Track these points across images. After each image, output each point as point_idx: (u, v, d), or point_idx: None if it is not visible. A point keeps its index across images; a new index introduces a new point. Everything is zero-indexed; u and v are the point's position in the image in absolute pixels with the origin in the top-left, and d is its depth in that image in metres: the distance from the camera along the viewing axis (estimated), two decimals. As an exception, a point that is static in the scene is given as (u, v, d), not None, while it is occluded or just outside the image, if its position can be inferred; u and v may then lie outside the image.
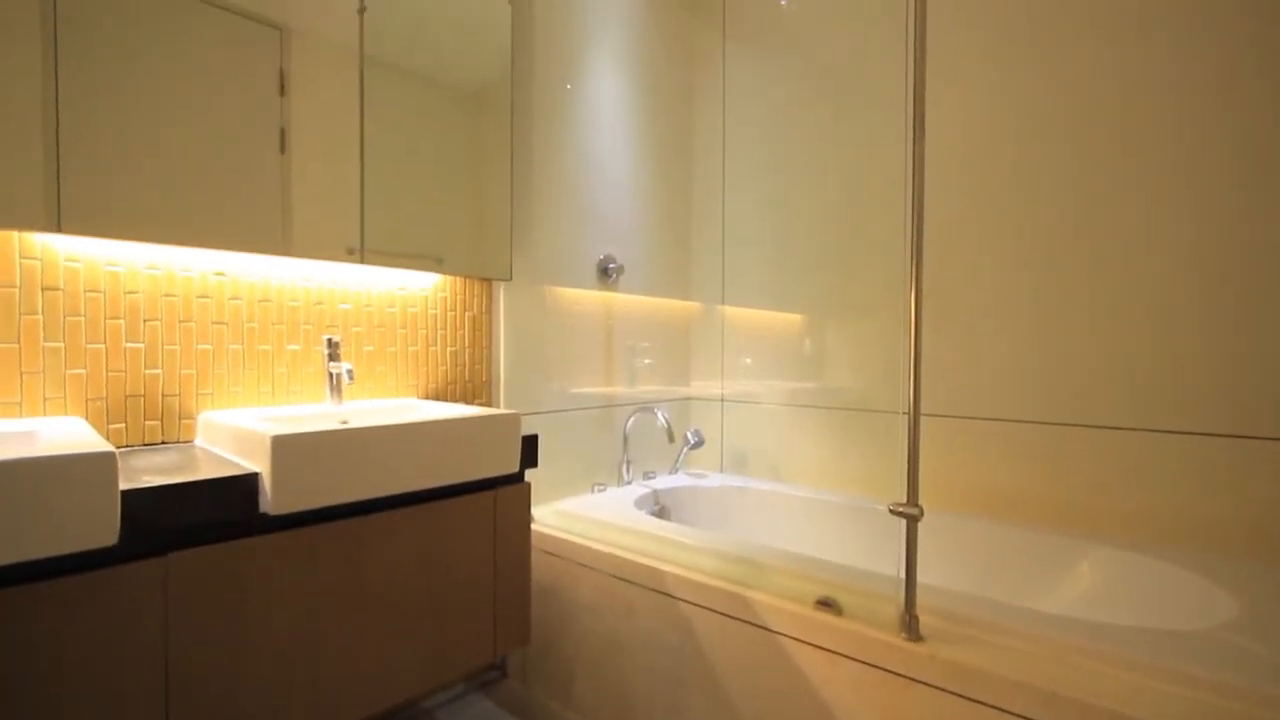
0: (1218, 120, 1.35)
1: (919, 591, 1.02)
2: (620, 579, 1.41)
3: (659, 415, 1.91)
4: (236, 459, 0.99)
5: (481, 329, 1.65)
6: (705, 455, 2.25)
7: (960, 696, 0.93)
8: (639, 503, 1.76)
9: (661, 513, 1.90)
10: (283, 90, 1.24)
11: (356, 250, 1.34)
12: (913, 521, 1.02)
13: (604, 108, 1.95)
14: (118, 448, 1.07)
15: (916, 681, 0.97)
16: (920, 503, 1.02)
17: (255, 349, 1.24)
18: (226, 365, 1.21)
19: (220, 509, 0.87)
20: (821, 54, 1.97)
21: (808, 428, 2.00)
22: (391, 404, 1.39)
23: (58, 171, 0.97)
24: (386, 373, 1.46)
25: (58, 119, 0.97)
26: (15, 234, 0.98)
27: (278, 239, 1.23)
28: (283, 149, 1.24)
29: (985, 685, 0.91)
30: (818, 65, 1.98)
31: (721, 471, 2.21)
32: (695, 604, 1.28)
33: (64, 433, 0.84)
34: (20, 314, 0.99)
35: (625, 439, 1.98)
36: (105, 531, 0.73)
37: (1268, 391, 1.31)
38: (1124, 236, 1.46)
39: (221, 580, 0.88)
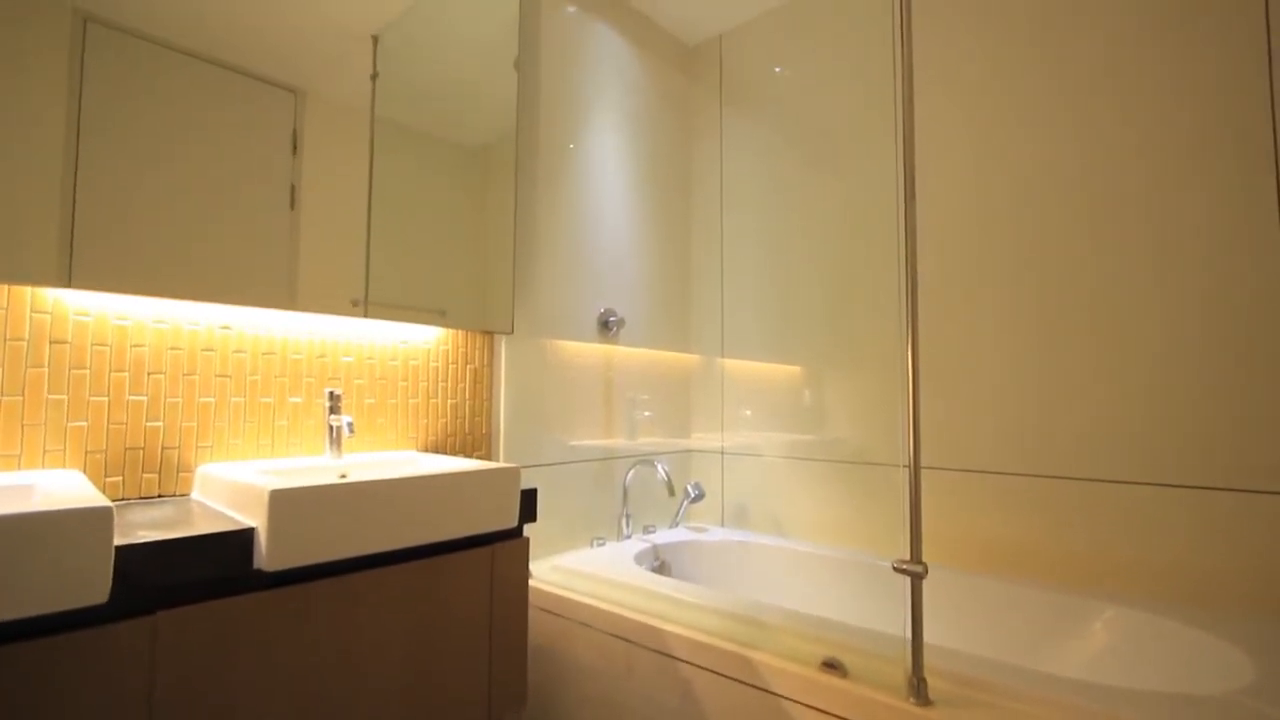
0: (1216, 177, 1.39)
1: (927, 652, 0.99)
2: (619, 638, 1.37)
3: (659, 468, 1.90)
4: (232, 513, 0.98)
5: (482, 381, 1.66)
6: (706, 508, 2.22)
7: (973, 766, 0.89)
8: (639, 558, 1.73)
9: (662, 568, 1.86)
10: (295, 149, 1.28)
11: (361, 303, 1.36)
12: (917, 579, 1.00)
13: (605, 166, 2.01)
14: (114, 501, 1.06)
15: (927, 750, 0.94)
16: (924, 559, 1.01)
17: (257, 401, 1.25)
18: (227, 418, 1.21)
19: (214, 565, 0.86)
20: (815, 116, 2.04)
21: (809, 480, 1.99)
22: (391, 457, 1.39)
23: (72, 229, 1.00)
24: (387, 425, 1.46)
25: (76, 180, 1.01)
26: (29, 289, 1.00)
27: (284, 293, 1.25)
28: (292, 205, 1.27)
29: (998, 754, 0.87)
30: (812, 127, 2.05)
31: (723, 525, 2.17)
32: (696, 665, 1.24)
33: (62, 486, 0.83)
34: (27, 367, 1.00)
35: (625, 492, 1.96)
36: (97, 589, 0.71)
37: (1274, 445, 1.30)
38: (1121, 288, 1.48)
39: (210, 640, 0.85)
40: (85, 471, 1.04)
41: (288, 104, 1.28)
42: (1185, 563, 1.37)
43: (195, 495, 1.14)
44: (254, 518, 0.91)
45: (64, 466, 1.03)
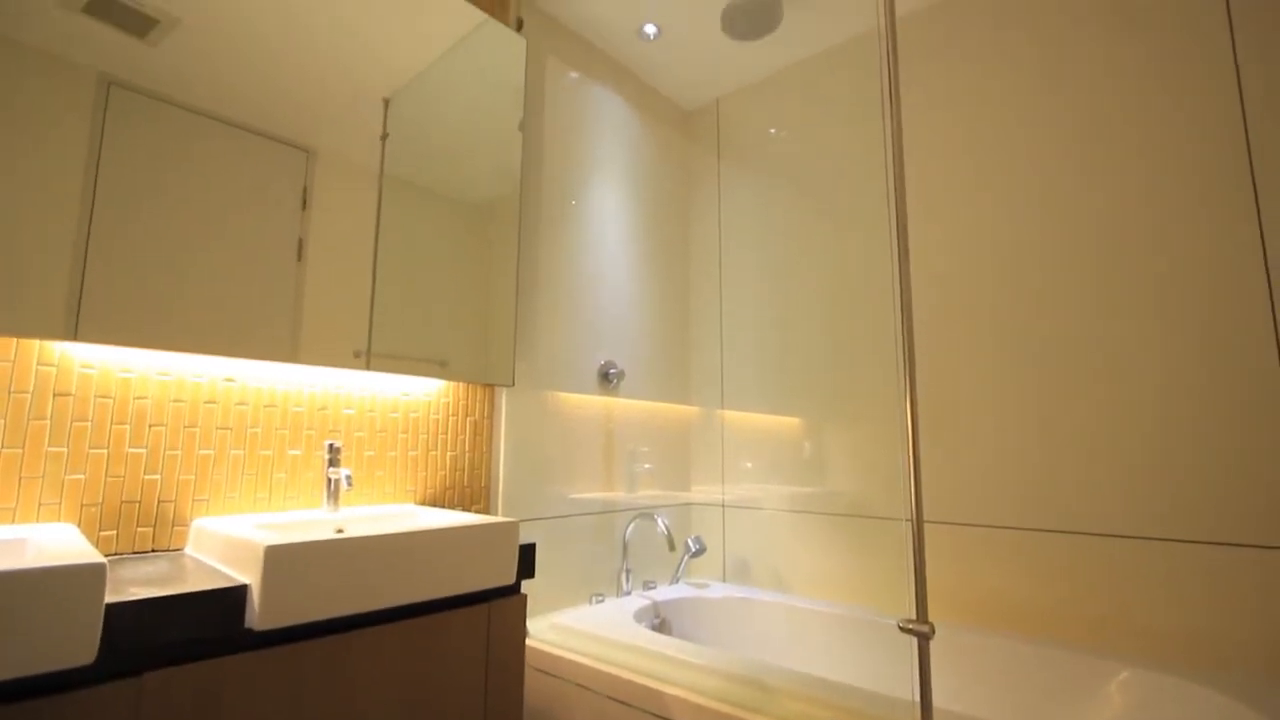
0: (1204, 227, 1.42)
1: (936, 717, 0.96)
2: (618, 701, 1.33)
3: (659, 522, 1.88)
4: (225, 569, 0.96)
5: (482, 434, 1.66)
6: (707, 563, 2.18)
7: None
8: (639, 615, 1.69)
9: (662, 626, 1.81)
10: (305, 204, 1.32)
11: (363, 354, 1.38)
12: (924, 640, 0.97)
13: (606, 221, 2.06)
14: (107, 556, 1.04)
15: (940, 824, 0.90)
16: (930, 617, 0.98)
17: (256, 454, 1.25)
18: (226, 471, 1.20)
19: (204, 624, 0.84)
20: (810, 174, 2.11)
21: (811, 534, 1.96)
22: (389, 510, 1.37)
23: (81, 282, 1.02)
24: (385, 478, 1.45)
25: (89, 234, 1.03)
26: (36, 342, 1.01)
27: (288, 346, 1.26)
28: (299, 257, 1.30)
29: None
30: (807, 184, 2.11)
31: (724, 580, 2.13)
32: (698, 731, 1.20)
33: (56, 541, 0.83)
34: (29, 419, 1.00)
35: (625, 546, 1.93)
36: (84, 649, 0.70)
37: None
38: (1118, 339, 1.50)
39: (197, 702, 0.83)
40: (80, 525, 1.03)
41: (300, 162, 1.32)
42: (1201, 621, 1.33)
43: (188, 550, 1.13)
44: (247, 574, 0.90)
45: (59, 519, 1.02)
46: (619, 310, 2.07)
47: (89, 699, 0.75)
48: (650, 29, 2.01)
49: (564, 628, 1.55)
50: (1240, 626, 1.29)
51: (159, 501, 1.12)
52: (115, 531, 1.07)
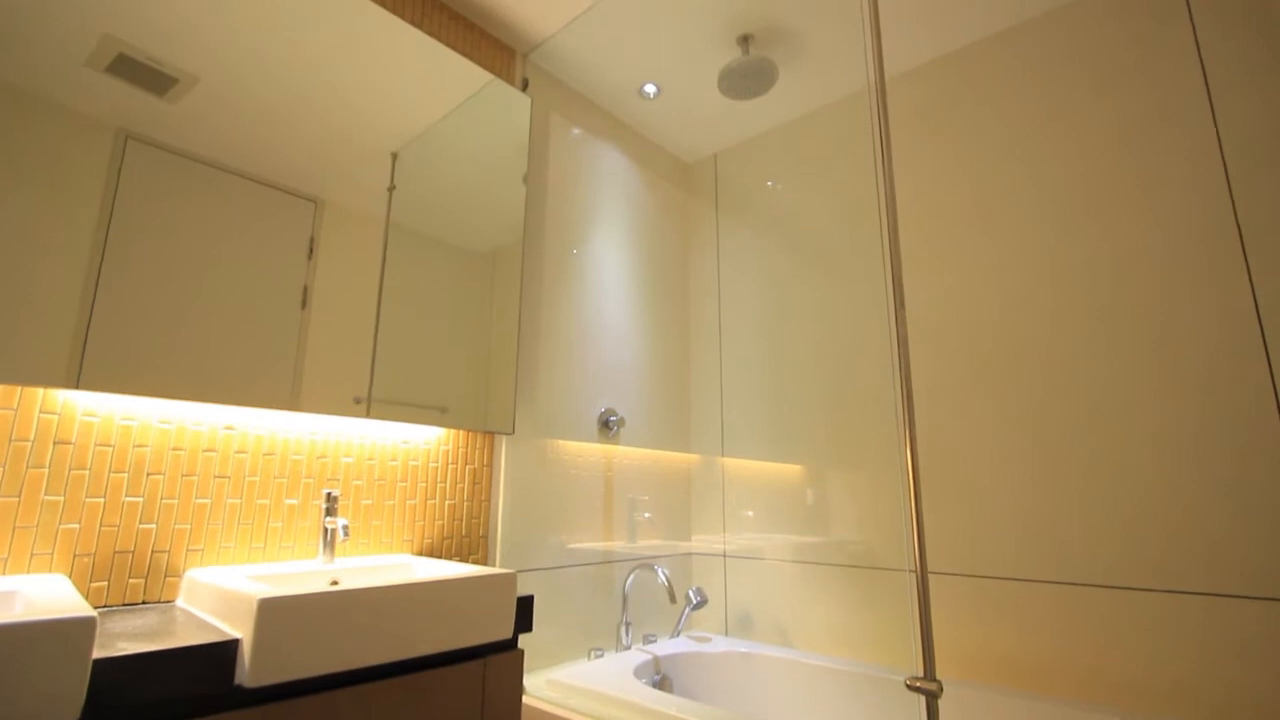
0: (1197, 280, 1.45)
1: (947, 783, 0.92)
2: (617, 764, 1.28)
3: (659, 573, 1.84)
4: (217, 622, 0.94)
5: (482, 482, 1.64)
6: (708, 616, 2.13)
7: None
8: (639, 671, 1.64)
9: (663, 683, 1.76)
10: (311, 253, 1.34)
11: (364, 400, 1.38)
12: (932, 699, 0.95)
13: (607, 270, 2.09)
14: (97, 608, 1.02)
15: None
16: (938, 673, 0.96)
17: (254, 503, 1.23)
18: (222, 520, 1.19)
19: (193, 681, 0.82)
20: (807, 225, 2.15)
21: (814, 585, 1.92)
22: (385, 561, 1.35)
23: (87, 330, 1.03)
24: (382, 527, 1.43)
25: (97, 284, 1.05)
26: (40, 390, 1.02)
27: (289, 394, 1.26)
28: (304, 305, 1.32)
29: None
30: (804, 234, 2.16)
31: (726, 634, 2.07)
32: (700, 796, 1.15)
33: (45, 594, 0.81)
34: (27, 467, 1.00)
35: (625, 598, 1.89)
36: (69, 706, 0.68)
37: (1285, 552, 1.27)
38: (1115, 390, 1.50)
39: (182, 765, 0.80)
40: (71, 576, 1.02)
41: (308, 213, 1.35)
42: (1222, 678, 1.30)
43: (180, 602, 1.11)
44: (239, 628, 0.88)
45: (51, 570, 1.00)
46: (619, 357, 2.08)
47: (70, 761, 0.72)
48: (650, 88, 2.09)
49: (562, 684, 1.51)
50: (1242, 677, 1.26)
51: (153, 552, 1.10)
52: (106, 582, 1.05)
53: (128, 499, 1.09)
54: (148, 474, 1.11)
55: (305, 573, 1.19)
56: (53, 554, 1.01)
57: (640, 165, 2.31)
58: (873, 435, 1.87)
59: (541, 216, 1.90)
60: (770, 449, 2.12)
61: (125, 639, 0.84)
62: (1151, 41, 1.56)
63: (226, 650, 0.85)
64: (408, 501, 1.48)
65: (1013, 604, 1.55)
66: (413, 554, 1.47)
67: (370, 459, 1.43)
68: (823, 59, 1.94)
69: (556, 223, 1.95)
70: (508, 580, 1.18)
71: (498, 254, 1.74)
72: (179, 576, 1.13)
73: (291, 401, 1.26)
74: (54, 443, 1.03)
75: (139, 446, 1.11)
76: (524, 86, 1.91)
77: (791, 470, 2.07)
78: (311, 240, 1.35)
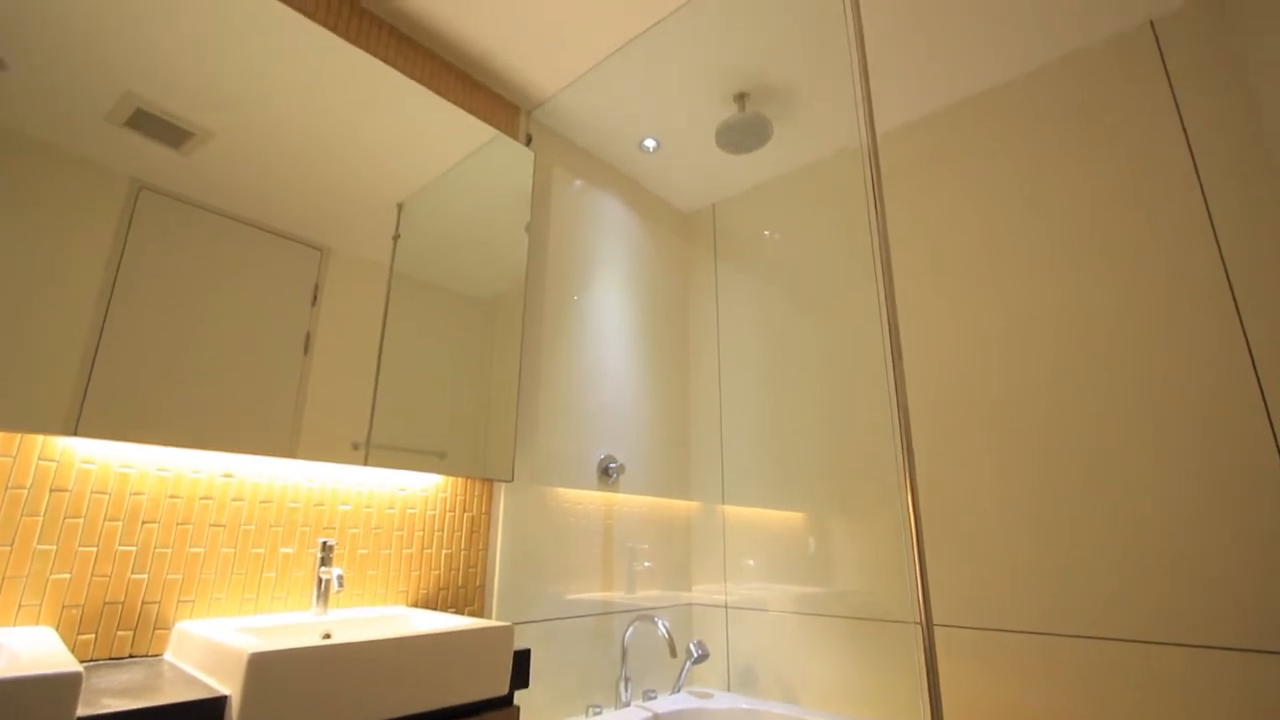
0: (1190, 328, 1.46)
1: None
2: (616, 830, 1.22)
3: (659, 625, 1.80)
4: (205, 678, 0.92)
5: (480, 530, 1.62)
6: (710, 669, 2.07)
7: None
8: (638, 730, 1.58)
9: (663, 742, 1.69)
10: (315, 300, 1.36)
11: (362, 445, 1.37)
12: (942, 759, 0.91)
13: (607, 317, 2.12)
14: (82, 662, 1.00)
15: None
16: (948, 735, 0.93)
17: (248, 552, 1.22)
18: (215, 569, 1.17)
19: (178, 740, 0.79)
20: (803, 273, 2.19)
21: (819, 637, 1.87)
22: (379, 613, 1.32)
23: (89, 377, 1.04)
24: (378, 577, 1.41)
25: (102, 331, 1.06)
26: (40, 437, 1.02)
27: (288, 441, 1.26)
28: (306, 350, 1.33)
29: None
30: (801, 282, 2.19)
31: (729, 689, 2.01)
32: None
33: (31, 648, 0.79)
34: (21, 515, 0.99)
35: (624, 651, 1.84)
36: (48, 769, 0.66)
37: (1297, 604, 1.25)
38: (1116, 440, 1.50)
39: (161, 832, 0.77)
40: (59, 628, 0.99)
41: (314, 260, 1.37)
42: (1234, 739, 1.25)
43: (168, 656, 1.08)
44: (228, 684, 0.85)
45: (38, 622, 0.98)
46: (619, 403, 2.08)
47: (46, 827, 0.69)
48: (650, 143, 2.16)
49: (558, 744, 1.45)
50: (1279, 744, 1.21)
51: (143, 603, 1.08)
52: (94, 635, 1.03)
53: (121, 548, 1.07)
54: (142, 522, 1.10)
55: (297, 625, 1.17)
56: (41, 605, 0.99)
57: (640, 215, 2.36)
58: (873, 482, 1.86)
59: (543, 264, 1.93)
60: (771, 496, 2.10)
61: (111, 695, 0.82)
62: (1131, 101, 1.61)
63: (215, 707, 0.83)
64: (404, 550, 1.46)
65: (1024, 658, 1.51)
66: (408, 605, 1.44)
67: (368, 506, 1.41)
68: (816, 116, 2.00)
69: (558, 270, 1.98)
70: (504, 634, 1.16)
71: (499, 301, 1.76)
72: (168, 629, 1.10)
73: (290, 448, 1.26)
74: (50, 490, 1.02)
75: (135, 494, 1.10)
76: (528, 141, 1.97)
77: (793, 518, 2.05)
78: (316, 287, 1.37)
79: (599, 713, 1.72)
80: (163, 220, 1.16)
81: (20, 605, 0.97)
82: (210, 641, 0.95)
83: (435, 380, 1.56)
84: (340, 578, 1.21)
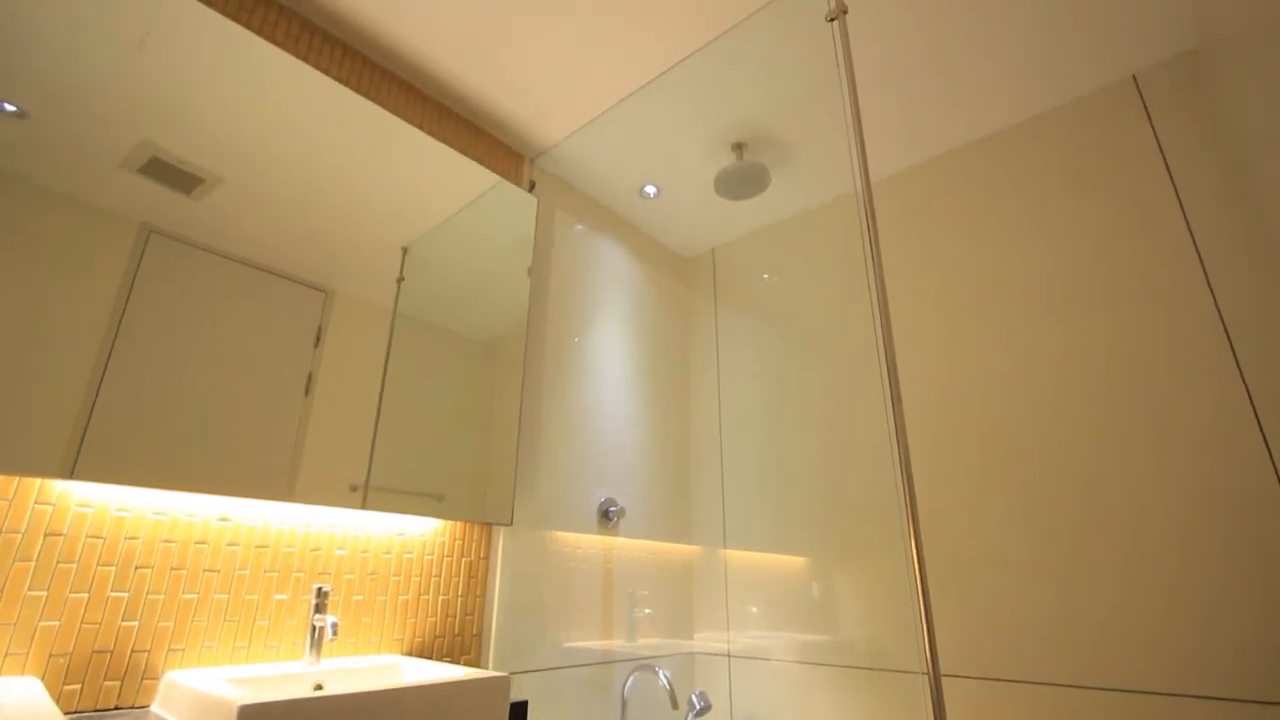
0: (1190, 371, 1.47)
1: None
2: None
3: (660, 676, 1.75)
4: (194, 731, 0.89)
5: (477, 576, 1.59)
6: (712, 724, 2.00)
7: None
8: (638, 787, 1.52)
9: (664, 801, 1.63)
10: (318, 341, 1.37)
11: (360, 488, 1.36)
12: (955, 819, 0.88)
13: (608, 360, 2.13)
14: (67, 714, 0.97)
15: None
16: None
17: (241, 598, 1.19)
18: (207, 616, 1.15)
19: (163, 797, 0.76)
20: (803, 316, 2.21)
21: (824, 688, 1.82)
22: (372, 663, 1.29)
23: (88, 420, 1.03)
24: (372, 624, 1.38)
25: (104, 375, 1.06)
26: (38, 480, 1.01)
27: (287, 483, 1.25)
28: (307, 392, 1.33)
29: None
30: (800, 326, 2.21)
31: (731, 745, 1.94)
32: None
33: (14, 701, 0.77)
34: (13, 561, 0.97)
35: (624, 703, 1.79)
36: (28, 829, 0.63)
37: (1312, 654, 1.22)
38: (1118, 487, 1.49)
39: None
40: (45, 677, 0.97)
41: (318, 302, 1.39)
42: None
43: (155, 708, 1.05)
44: (217, 737, 0.83)
45: (24, 671, 0.96)
46: (619, 446, 2.07)
47: None
48: (650, 189, 2.21)
49: (555, 802, 1.40)
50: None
51: (132, 651, 1.06)
52: (80, 685, 1.00)
53: (113, 594, 1.05)
54: (136, 567, 1.08)
55: (289, 675, 1.14)
56: (28, 654, 0.96)
57: (640, 259, 2.40)
58: (876, 528, 1.83)
59: (544, 307, 1.95)
60: (773, 540, 2.07)
61: (95, 750, 0.79)
62: (1119, 150, 1.66)
63: (201, 763, 0.80)
64: (400, 597, 1.43)
65: (1039, 711, 1.46)
66: (402, 654, 1.40)
67: (364, 551, 1.39)
68: (812, 164, 2.06)
69: (559, 313, 2.00)
70: (500, 684, 1.13)
71: (500, 343, 1.77)
72: (157, 679, 1.07)
73: (288, 491, 1.25)
74: (45, 534, 1.01)
75: (130, 538, 1.09)
76: (530, 187, 2.02)
77: (795, 563, 2.01)
78: (319, 329, 1.38)
79: (597, 769, 1.65)
80: (170, 263, 1.18)
81: (7, 654, 0.95)
82: (198, 693, 0.93)
83: (436, 422, 1.56)
84: (334, 625, 1.19)
